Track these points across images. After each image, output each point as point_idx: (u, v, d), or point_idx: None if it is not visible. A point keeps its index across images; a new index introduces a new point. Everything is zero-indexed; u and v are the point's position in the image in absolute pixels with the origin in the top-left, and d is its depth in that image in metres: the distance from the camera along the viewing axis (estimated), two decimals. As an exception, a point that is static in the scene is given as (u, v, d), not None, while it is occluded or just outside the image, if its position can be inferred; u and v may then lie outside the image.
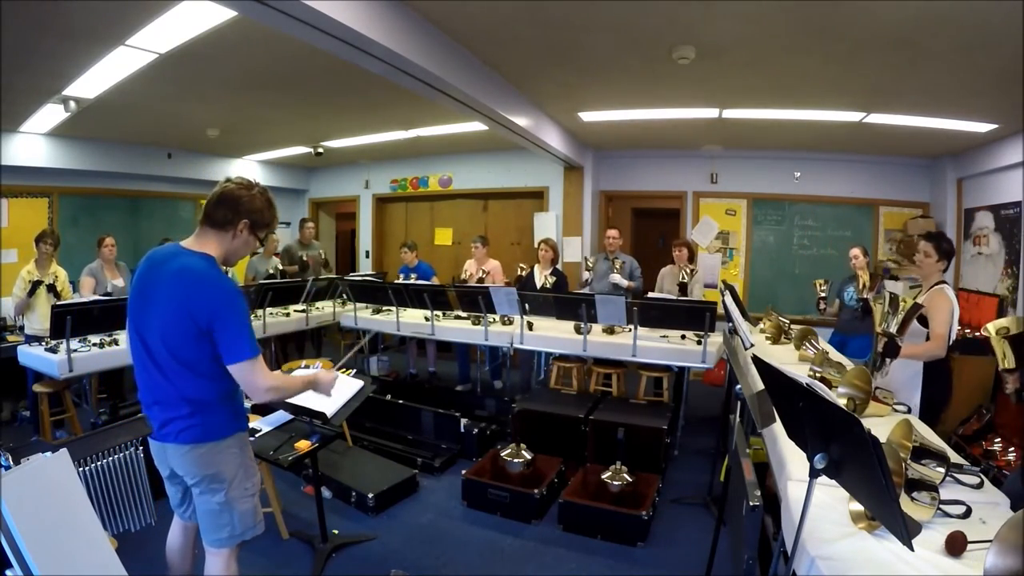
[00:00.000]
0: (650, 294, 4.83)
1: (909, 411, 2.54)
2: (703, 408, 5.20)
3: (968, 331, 4.68)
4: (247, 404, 3.85)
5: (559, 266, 5.46)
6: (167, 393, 1.75)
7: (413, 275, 5.87)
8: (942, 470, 1.72)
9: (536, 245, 5.55)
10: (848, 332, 4.38)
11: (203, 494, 1.83)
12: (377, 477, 3.52)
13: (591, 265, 5.23)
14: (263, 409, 2.99)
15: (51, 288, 4.27)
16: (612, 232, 5.23)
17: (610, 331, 4.47)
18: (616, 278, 4.97)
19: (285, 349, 6.03)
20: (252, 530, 1.93)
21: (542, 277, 5.23)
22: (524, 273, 5.31)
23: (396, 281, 5.71)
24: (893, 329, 2.48)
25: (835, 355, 3.46)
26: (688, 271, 4.69)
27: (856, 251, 4.46)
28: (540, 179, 6.93)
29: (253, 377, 1.73)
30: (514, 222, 7.36)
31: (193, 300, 1.69)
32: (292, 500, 3.42)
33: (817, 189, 6.21)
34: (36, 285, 4.21)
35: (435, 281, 5.90)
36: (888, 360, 2.62)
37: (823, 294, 4.32)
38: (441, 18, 3.07)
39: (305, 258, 6.30)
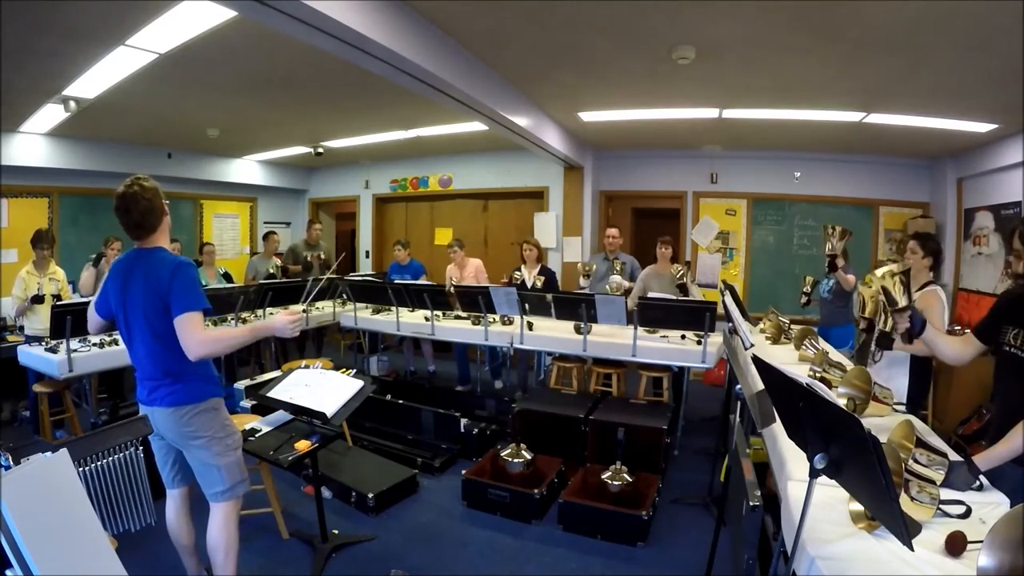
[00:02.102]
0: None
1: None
2: (703, 408, 5.19)
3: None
4: (247, 404, 3.84)
5: (555, 264, 5.43)
6: (151, 370, 2.13)
7: (407, 276, 5.88)
8: (942, 470, 1.72)
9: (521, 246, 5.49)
10: (828, 324, 4.49)
11: (188, 450, 2.17)
12: (377, 477, 3.52)
13: (588, 271, 5.17)
14: (263, 409, 2.99)
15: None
16: (612, 231, 5.21)
17: (610, 331, 4.46)
18: (615, 279, 4.95)
19: (285, 349, 6.02)
20: (242, 484, 2.25)
21: (531, 277, 5.22)
22: (516, 280, 5.20)
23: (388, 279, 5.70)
24: (899, 324, 2.19)
25: (835, 355, 3.46)
26: (683, 270, 4.65)
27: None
28: (540, 179, 6.93)
29: (190, 326, 2.00)
30: (514, 222, 7.36)
31: (157, 280, 2.04)
32: (292, 500, 3.42)
33: (817, 189, 6.21)
34: (36, 300, 4.26)
35: (427, 280, 5.90)
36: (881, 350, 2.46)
37: (807, 290, 4.39)
38: (441, 18, 3.07)
39: (309, 258, 6.34)
